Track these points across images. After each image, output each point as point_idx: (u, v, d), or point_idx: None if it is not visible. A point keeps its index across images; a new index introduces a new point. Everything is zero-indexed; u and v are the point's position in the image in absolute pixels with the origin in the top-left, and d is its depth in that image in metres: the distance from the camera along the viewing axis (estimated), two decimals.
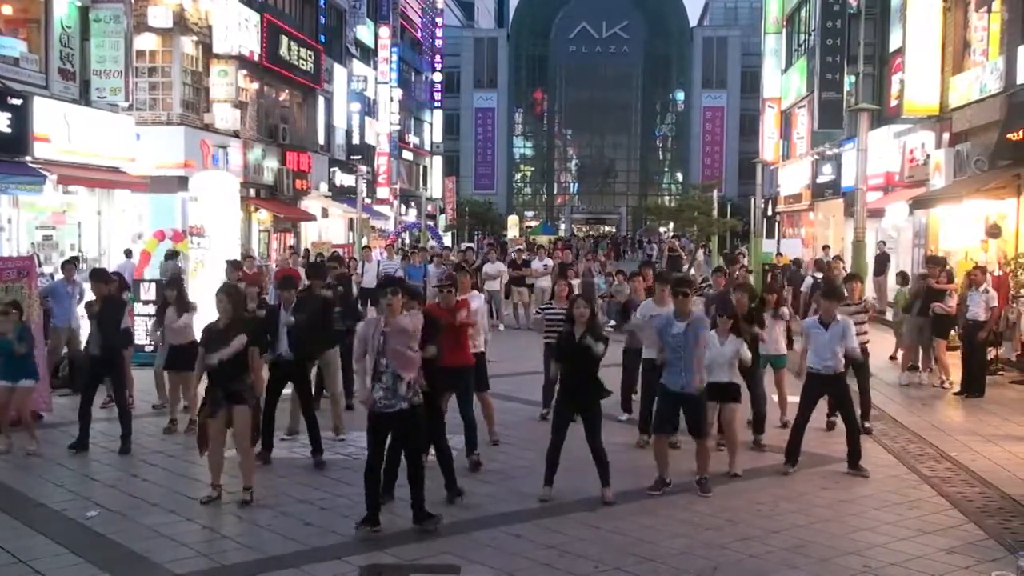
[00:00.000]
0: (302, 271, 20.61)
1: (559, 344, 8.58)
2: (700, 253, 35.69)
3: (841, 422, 10.35)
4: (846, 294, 11.06)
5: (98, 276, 10.95)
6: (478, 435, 9.60)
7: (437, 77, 63.83)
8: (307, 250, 24.91)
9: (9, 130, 16.95)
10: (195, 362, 10.96)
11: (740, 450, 9.53)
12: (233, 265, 13.98)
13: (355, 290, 17.70)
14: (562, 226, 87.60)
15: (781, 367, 11.43)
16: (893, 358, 16.94)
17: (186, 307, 11.07)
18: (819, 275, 19.21)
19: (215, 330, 8.32)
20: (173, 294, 11.15)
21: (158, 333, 11.57)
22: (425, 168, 61.40)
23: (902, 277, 17.66)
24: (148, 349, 14.45)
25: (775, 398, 11.48)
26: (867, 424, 10.91)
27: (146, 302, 14.61)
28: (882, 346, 17.83)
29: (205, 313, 12.56)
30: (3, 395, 10.02)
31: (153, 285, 14.86)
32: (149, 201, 22.59)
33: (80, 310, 13.06)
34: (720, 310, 9.62)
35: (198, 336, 10.76)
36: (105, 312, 10.46)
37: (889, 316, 16.11)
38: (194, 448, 10.02)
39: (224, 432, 8.27)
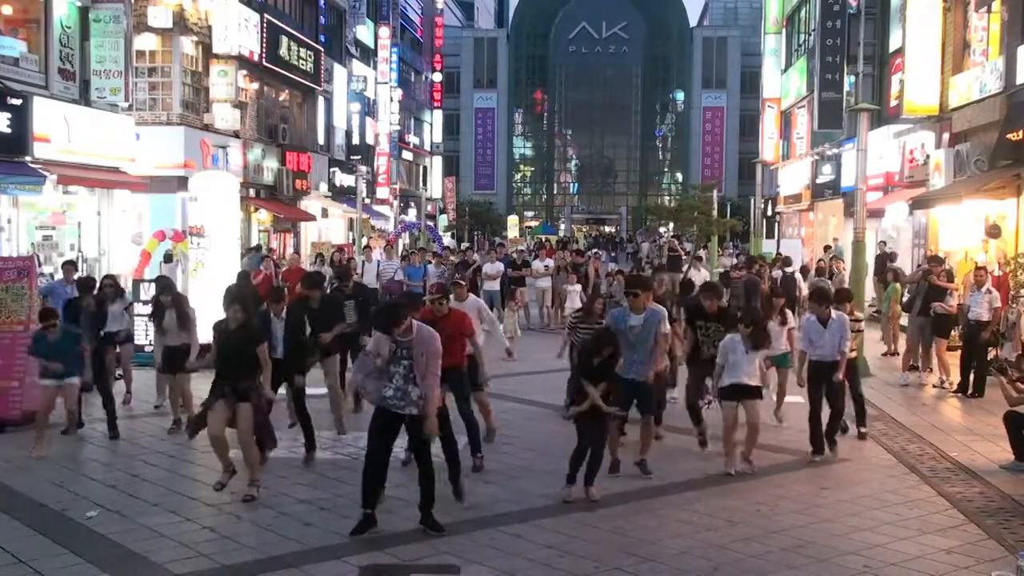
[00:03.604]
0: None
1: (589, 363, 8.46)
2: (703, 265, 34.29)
3: (853, 426, 10.83)
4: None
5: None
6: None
7: (437, 77, 63.82)
8: (320, 255, 24.85)
9: (9, 130, 16.93)
10: (188, 362, 11.08)
11: (737, 450, 9.52)
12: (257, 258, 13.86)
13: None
14: (562, 226, 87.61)
15: (785, 367, 11.46)
16: (886, 355, 17.06)
17: (186, 322, 11.09)
18: (788, 269, 19.48)
19: (229, 330, 8.40)
20: (168, 298, 11.16)
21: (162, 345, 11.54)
22: (425, 168, 61.41)
23: (894, 274, 17.82)
24: (148, 349, 14.47)
25: (774, 396, 11.48)
26: (863, 429, 10.86)
27: (146, 302, 14.60)
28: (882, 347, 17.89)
29: (204, 312, 12.62)
30: (50, 394, 10.15)
31: (153, 285, 14.84)
32: (149, 201, 22.58)
33: None
34: (742, 319, 9.65)
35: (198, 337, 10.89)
36: (94, 320, 11.05)
37: (904, 321, 16.16)
38: (194, 448, 10.09)
39: (224, 423, 8.29)
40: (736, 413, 9.32)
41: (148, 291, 14.79)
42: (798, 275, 19.71)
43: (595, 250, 35.75)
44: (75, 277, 13.64)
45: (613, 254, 48.26)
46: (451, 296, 9.93)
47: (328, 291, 12.75)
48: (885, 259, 21.34)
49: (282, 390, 10.05)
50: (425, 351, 7.34)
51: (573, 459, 8.32)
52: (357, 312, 11.80)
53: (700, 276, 20.41)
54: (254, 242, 29.05)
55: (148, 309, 14.35)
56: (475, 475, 9.06)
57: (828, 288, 12.20)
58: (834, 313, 10.15)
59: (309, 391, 10.17)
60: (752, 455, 9.42)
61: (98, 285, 12.42)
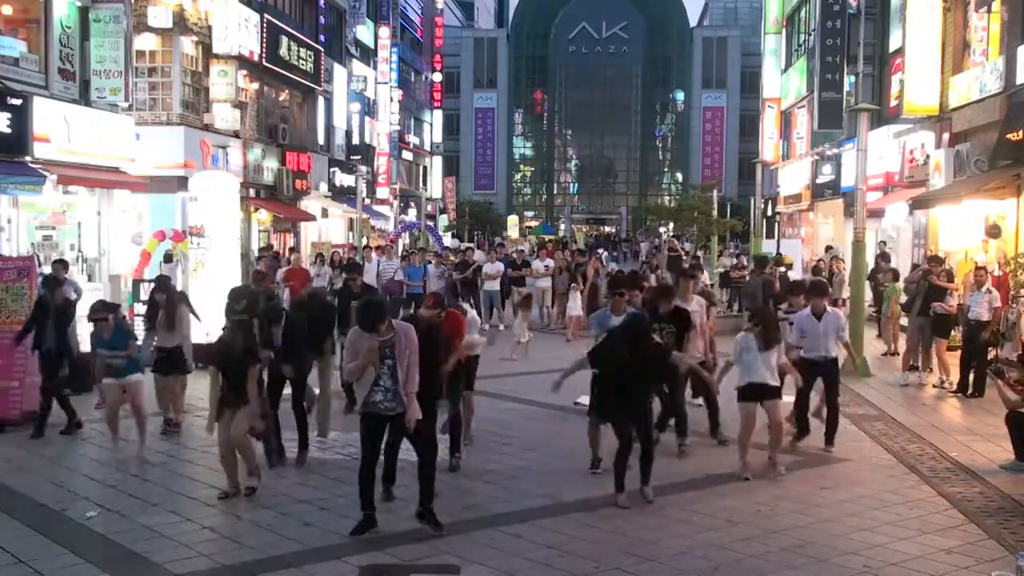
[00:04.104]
0: (312, 271, 20.66)
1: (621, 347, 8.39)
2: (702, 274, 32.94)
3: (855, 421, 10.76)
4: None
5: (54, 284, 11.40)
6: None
7: (437, 77, 63.81)
8: (320, 254, 24.77)
9: (9, 130, 16.91)
10: (182, 365, 11.08)
11: (745, 450, 9.44)
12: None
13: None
14: (562, 226, 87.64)
15: None
16: (886, 355, 17.08)
17: (173, 323, 11.05)
18: (781, 269, 19.56)
19: (222, 342, 8.49)
20: (163, 297, 11.15)
21: (152, 344, 11.44)
22: (425, 168, 61.40)
23: (894, 274, 17.84)
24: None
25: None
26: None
27: (92, 320, 14.51)
28: (881, 346, 17.91)
29: (202, 314, 12.63)
30: (115, 392, 10.09)
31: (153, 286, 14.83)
32: (149, 201, 22.56)
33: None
34: (751, 318, 9.57)
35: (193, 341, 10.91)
36: (59, 316, 11.03)
37: (904, 321, 16.19)
38: (194, 448, 10.11)
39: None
40: (753, 414, 9.22)
41: (148, 291, 14.78)
42: (791, 274, 19.78)
43: (599, 250, 35.98)
44: (65, 275, 13.57)
45: (615, 254, 48.82)
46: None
47: (333, 287, 12.76)
48: (879, 260, 21.34)
49: (286, 389, 10.04)
50: (407, 345, 7.33)
51: (618, 464, 8.24)
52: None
53: (701, 278, 20.36)
54: (254, 242, 29.11)
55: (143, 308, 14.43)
56: (474, 475, 9.08)
57: (825, 282, 12.40)
58: (830, 309, 10.28)
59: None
60: (745, 459, 9.28)
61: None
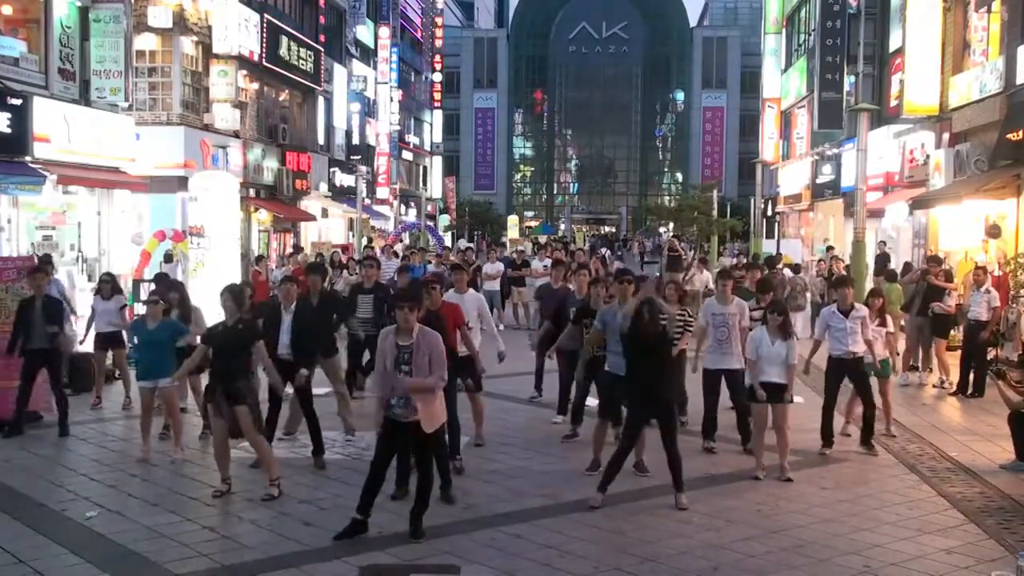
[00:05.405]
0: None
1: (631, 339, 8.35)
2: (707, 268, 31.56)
3: (852, 425, 10.83)
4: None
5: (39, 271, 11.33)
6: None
7: (437, 77, 63.84)
8: (320, 254, 24.83)
9: (9, 130, 16.91)
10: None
11: (764, 452, 9.38)
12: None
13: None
14: (562, 226, 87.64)
15: (886, 376, 11.15)
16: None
17: (188, 316, 11.00)
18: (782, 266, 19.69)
19: (223, 329, 8.44)
20: (176, 297, 11.12)
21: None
22: (425, 168, 61.43)
23: (891, 274, 17.82)
24: None
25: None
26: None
27: (145, 302, 14.54)
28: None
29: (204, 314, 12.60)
30: (147, 396, 9.84)
31: (153, 286, 14.80)
32: (149, 201, 22.57)
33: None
34: (771, 309, 9.48)
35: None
36: (45, 309, 10.89)
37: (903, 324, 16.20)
38: (194, 448, 10.11)
39: (227, 432, 8.31)
40: (765, 414, 9.21)
41: (148, 291, 14.75)
42: (786, 271, 19.95)
43: (603, 249, 36.06)
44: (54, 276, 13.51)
45: (619, 253, 49.55)
46: (449, 287, 9.92)
47: (332, 286, 12.73)
48: (886, 259, 21.33)
49: (288, 388, 10.03)
50: (429, 353, 7.25)
51: (615, 464, 8.22)
52: (375, 310, 11.60)
53: (702, 279, 20.39)
54: (254, 242, 29.11)
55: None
56: (474, 475, 9.07)
57: (848, 275, 12.52)
58: (856, 304, 10.39)
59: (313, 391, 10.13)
60: (760, 458, 9.27)
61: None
